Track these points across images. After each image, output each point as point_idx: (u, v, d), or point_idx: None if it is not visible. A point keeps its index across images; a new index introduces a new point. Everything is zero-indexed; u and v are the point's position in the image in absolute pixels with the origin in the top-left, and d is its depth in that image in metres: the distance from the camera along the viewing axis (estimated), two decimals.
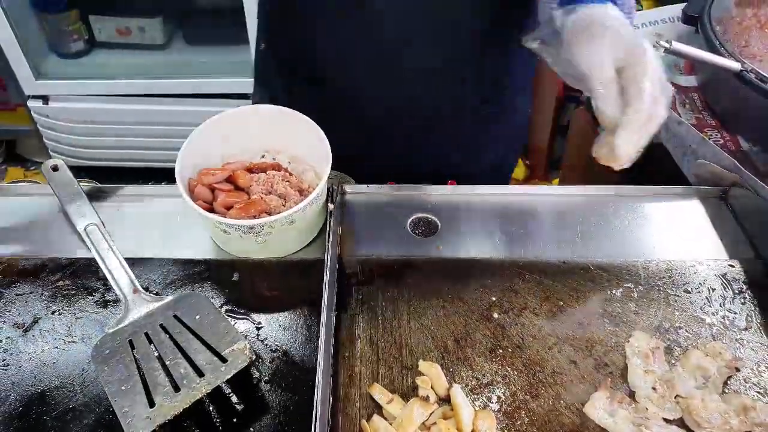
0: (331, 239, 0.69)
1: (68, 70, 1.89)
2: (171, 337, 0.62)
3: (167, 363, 0.60)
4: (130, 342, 0.62)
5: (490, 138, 0.99)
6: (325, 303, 0.63)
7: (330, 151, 0.72)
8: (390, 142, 0.95)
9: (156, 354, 0.61)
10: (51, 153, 2.05)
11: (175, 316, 0.64)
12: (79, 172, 1.91)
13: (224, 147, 0.78)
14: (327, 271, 0.66)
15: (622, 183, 0.86)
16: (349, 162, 0.87)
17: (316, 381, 0.56)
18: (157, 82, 1.87)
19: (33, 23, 1.81)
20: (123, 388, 0.57)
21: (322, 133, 0.74)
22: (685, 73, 1.10)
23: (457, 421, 0.59)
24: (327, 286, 0.65)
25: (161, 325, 0.64)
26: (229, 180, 0.73)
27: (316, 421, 0.53)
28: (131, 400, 0.56)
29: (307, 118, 0.75)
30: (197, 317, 0.64)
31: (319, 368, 0.57)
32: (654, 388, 0.62)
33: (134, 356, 0.61)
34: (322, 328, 0.61)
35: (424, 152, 0.96)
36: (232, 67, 1.86)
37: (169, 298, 0.67)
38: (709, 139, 0.94)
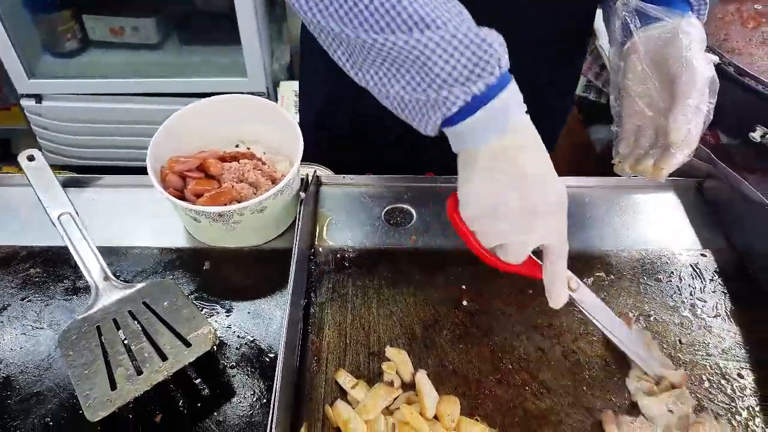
0: (300, 227, 0.69)
1: (62, 69, 1.89)
2: (138, 323, 0.62)
3: (132, 348, 0.60)
4: (98, 328, 0.62)
5: None
6: (290, 290, 0.63)
7: (302, 138, 0.72)
8: (383, 136, 0.93)
9: (123, 339, 0.61)
10: (45, 152, 2.05)
11: (144, 303, 0.64)
12: (72, 170, 1.92)
13: (199, 137, 0.78)
14: (294, 258, 0.66)
15: (598, 174, 0.86)
16: (336, 154, 0.86)
17: (277, 365, 0.56)
18: (150, 81, 1.87)
19: (26, 22, 1.81)
20: (86, 371, 0.57)
21: (294, 122, 0.74)
22: None
23: (420, 406, 0.59)
24: (293, 274, 0.64)
25: (129, 312, 0.64)
26: (201, 168, 0.73)
27: (274, 406, 0.53)
28: (93, 383, 0.56)
29: (282, 108, 0.76)
30: (165, 303, 0.64)
31: (281, 353, 0.57)
32: None
33: (101, 341, 0.61)
34: (286, 314, 0.60)
35: (412, 145, 0.95)
36: (224, 67, 1.86)
37: (140, 285, 0.67)
38: None
